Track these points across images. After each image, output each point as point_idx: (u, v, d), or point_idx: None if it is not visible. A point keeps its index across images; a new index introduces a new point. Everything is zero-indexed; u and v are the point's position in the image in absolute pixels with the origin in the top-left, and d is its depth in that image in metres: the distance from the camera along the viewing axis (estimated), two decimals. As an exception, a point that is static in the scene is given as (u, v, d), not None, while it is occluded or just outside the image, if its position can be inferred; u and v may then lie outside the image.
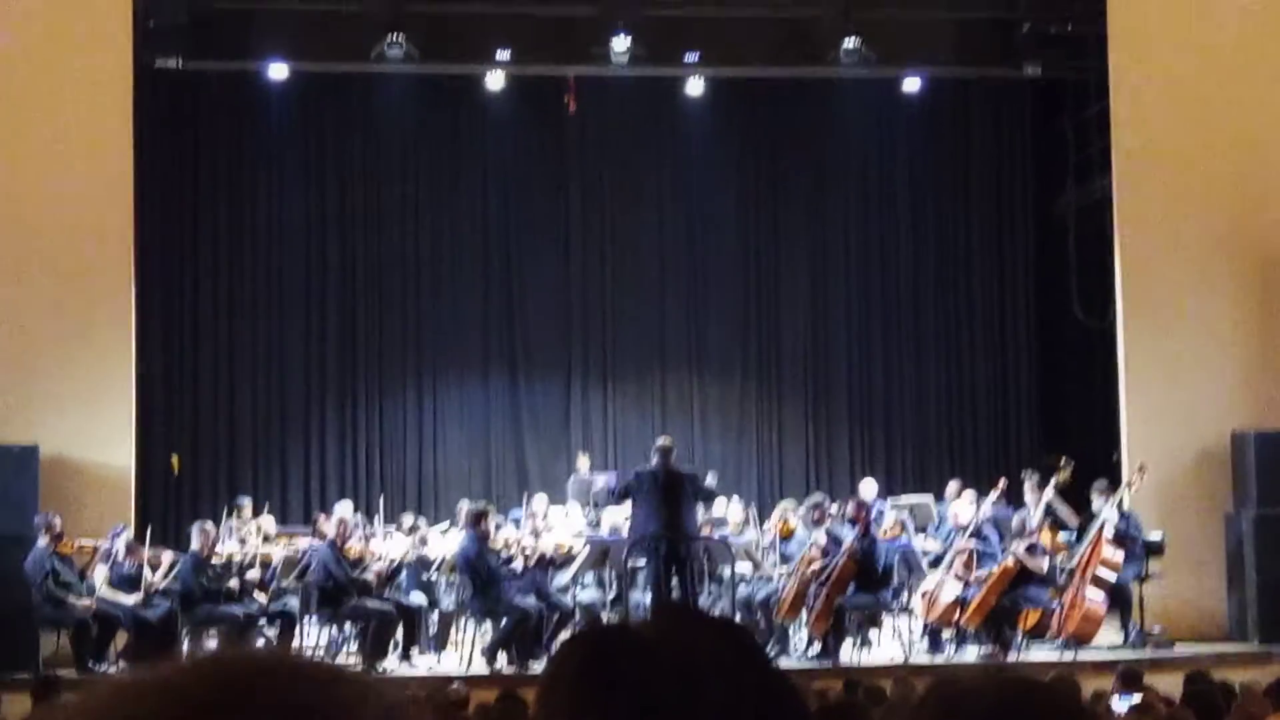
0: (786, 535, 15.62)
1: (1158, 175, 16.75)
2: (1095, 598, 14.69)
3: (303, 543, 15.74)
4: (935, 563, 15.46)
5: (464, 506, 15.90)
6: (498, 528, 15.34)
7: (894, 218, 20.95)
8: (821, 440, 20.86)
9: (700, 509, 15.29)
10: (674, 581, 14.29)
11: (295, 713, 0.98)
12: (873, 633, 15.46)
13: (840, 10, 17.98)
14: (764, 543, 15.84)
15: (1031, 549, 14.64)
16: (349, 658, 15.11)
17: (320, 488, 19.84)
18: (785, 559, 15.35)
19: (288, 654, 1.04)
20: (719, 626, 1.61)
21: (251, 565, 14.93)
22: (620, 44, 17.82)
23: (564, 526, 16.44)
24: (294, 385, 20.12)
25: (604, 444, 20.33)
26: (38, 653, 14.38)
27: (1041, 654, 14.64)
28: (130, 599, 14.32)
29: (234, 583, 14.56)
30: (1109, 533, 14.95)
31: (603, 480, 16.82)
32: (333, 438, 20.15)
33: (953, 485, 17.17)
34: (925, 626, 15.21)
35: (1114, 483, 15.60)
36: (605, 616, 14.78)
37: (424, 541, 15.74)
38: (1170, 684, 9.77)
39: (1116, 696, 9.25)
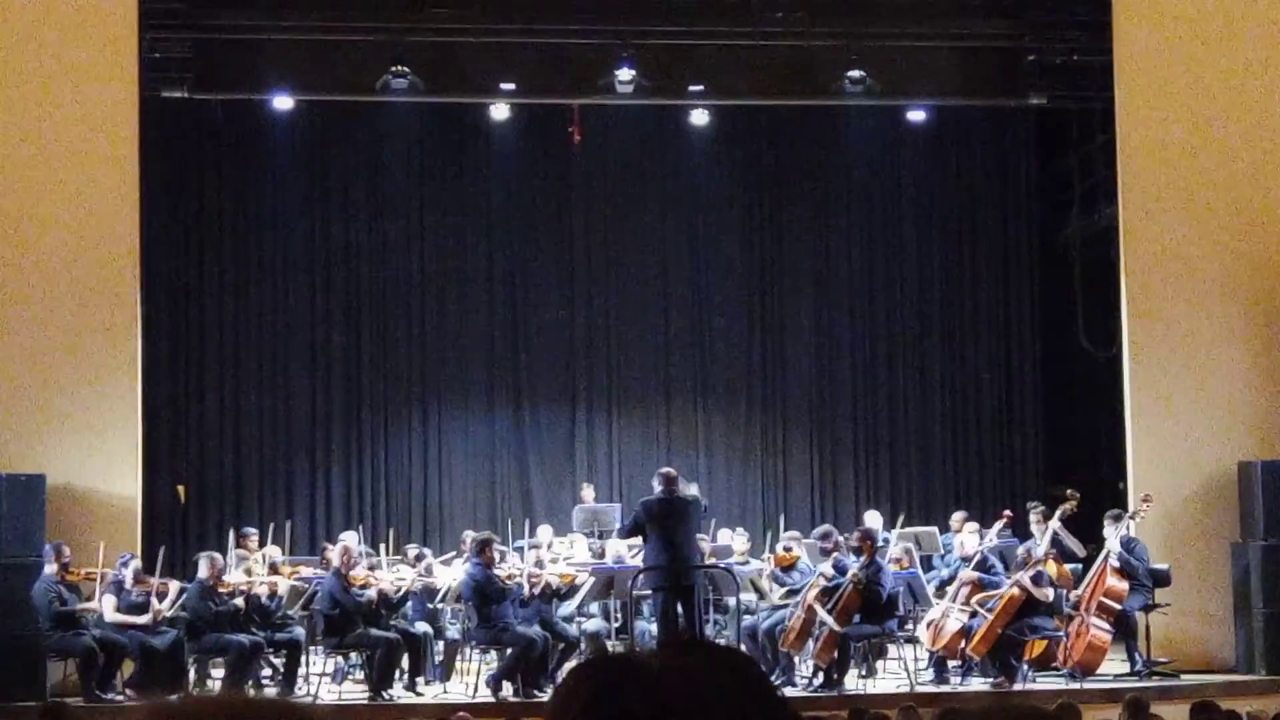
0: (786, 566, 15.59)
1: (1163, 205, 16.75)
2: (1101, 627, 14.67)
3: (308, 572, 15.76)
4: (940, 592, 15.44)
5: (469, 536, 15.90)
6: (502, 557, 15.31)
7: (899, 247, 20.96)
8: (827, 471, 20.84)
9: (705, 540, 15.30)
10: (679, 611, 14.26)
11: None
12: (878, 663, 15.43)
13: (844, 41, 18.01)
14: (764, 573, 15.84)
15: (1037, 578, 14.61)
16: (355, 686, 15.13)
17: (326, 518, 19.85)
18: (784, 588, 15.34)
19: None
20: (725, 656, 1.62)
21: (258, 594, 14.91)
22: (625, 75, 17.85)
23: (569, 557, 16.43)
24: (299, 416, 20.13)
25: (609, 475, 20.32)
26: (45, 681, 14.38)
27: (1047, 683, 14.61)
28: (139, 620, 14.33)
29: (240, 608, 14.55)
30: (1114, 563, 14.94)
31: (610, 514, 16.82)
32: (338, 468, 20.15)
33: (957, 516, 17.14)
34: (930, 656, 15.19)
35: (1121, 513, 15.58)
36: (611, 646, 14.76)
37: (429, 571, 15.73)
38: (1176, 714, 9.75)
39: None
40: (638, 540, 14.92)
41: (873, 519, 17.40)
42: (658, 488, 14.57)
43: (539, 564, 15.24)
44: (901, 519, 17.21)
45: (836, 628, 14.30)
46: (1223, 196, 16.67)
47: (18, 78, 15.94)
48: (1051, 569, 14.95)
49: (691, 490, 15.32)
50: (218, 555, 15.00)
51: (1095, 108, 18.02)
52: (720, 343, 20.83)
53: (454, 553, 16.87)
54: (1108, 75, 17.22)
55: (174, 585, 14.80)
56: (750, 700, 1.53)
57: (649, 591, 14.63)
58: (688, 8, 18.00)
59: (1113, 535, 15.07)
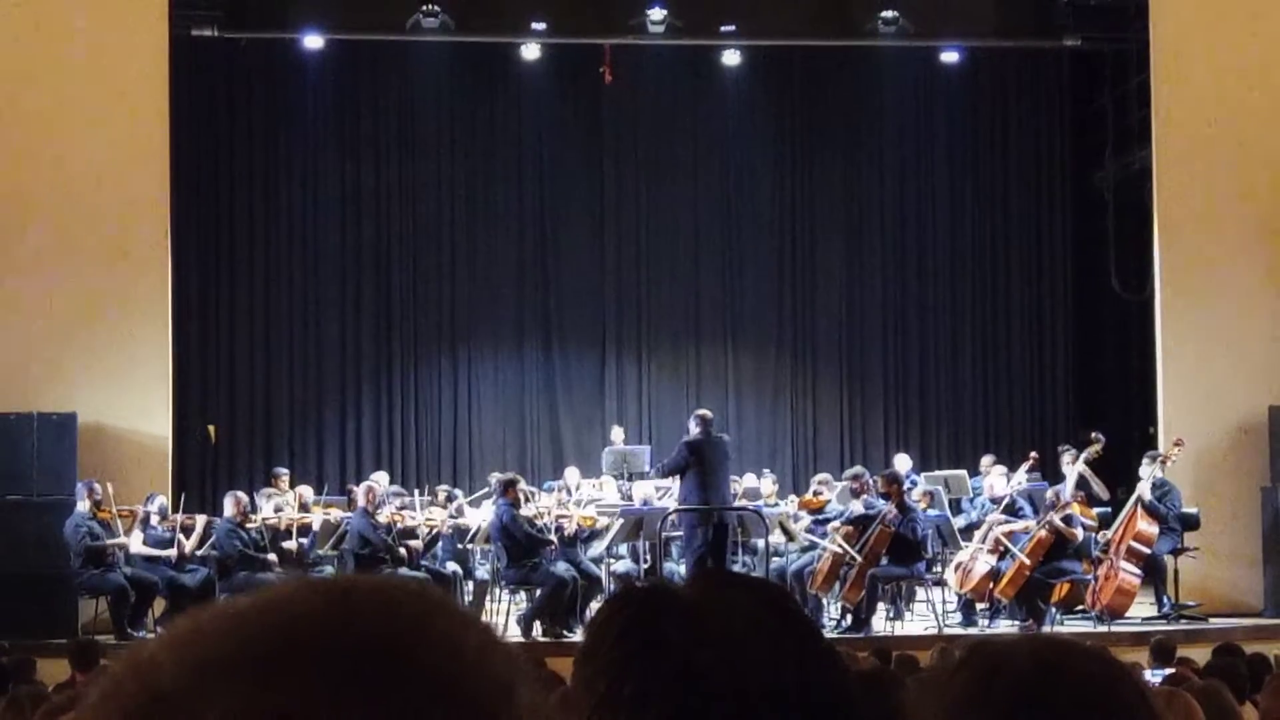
0: (815, 509, 15.57)
1: (1198, 147, 16.64)
2: (1130, 571, 14.65)
3: (339, 512, 15.81)
4: (968, 535, 15.43)
5: (495, 478, 15.93)
6: (527, 499, 15.30)
7: (931, 190, 20.84)
8: (856, 414, 20.80)
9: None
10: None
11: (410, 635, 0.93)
12: (906, 607, 15.46)
13: (878, -19, 17.91)
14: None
15: (1067, 519, 14.60)
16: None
17: (356, 459, 19.88)
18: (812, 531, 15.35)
19: (381, 579, 0.99)
20: (759, 588, 1.62)
21: (289, 533, 14.99)
22: (657, 15, 17.79)
23: (597, 498, 16.45)
24: (330, 356, 20.15)
25: (638, 417, 20.32)
26: (76, 618, 14.49)
27: (1074, 626, 14.62)
28: (165, 554, 14.43)
29: (270, 551, 14.61)
30: (1145, 507, 14.90)
31: (640, 455, 16.81)
32: (368, 409, 20.17)
33: (986, 459, 17.13)
34: (959, 599, 15.20)
35: (1159, 453, 15.53)
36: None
37: (459, 512, 15.77)
38: (1204, 657, 9.73)
39: (1149, 671, 9.22)
40: (665, 482, 14.99)
41: (902, 462, 17.38)
42: (695, 429, 14.65)
43: (572, 502, 15.24)
44: (924, 478, 17.19)
45: (854, 555, 14.36)
46: (1257, 139, 16.55)
47: (48, 16, 15.92)
48: (1079, 510, 14.93)
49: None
50: (241, 494, 15.05)
51: (1130, 49, 17.90)
52: (751, 285, 20.77)
53: (484, 490, 16.91)
54: (1142, 17, 17.10)
55: (200, 519, 14.88)
56: (786, 631, 1.52)
57: (678, 532, 14.68)
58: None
59: (1147, 476, 15.00)
